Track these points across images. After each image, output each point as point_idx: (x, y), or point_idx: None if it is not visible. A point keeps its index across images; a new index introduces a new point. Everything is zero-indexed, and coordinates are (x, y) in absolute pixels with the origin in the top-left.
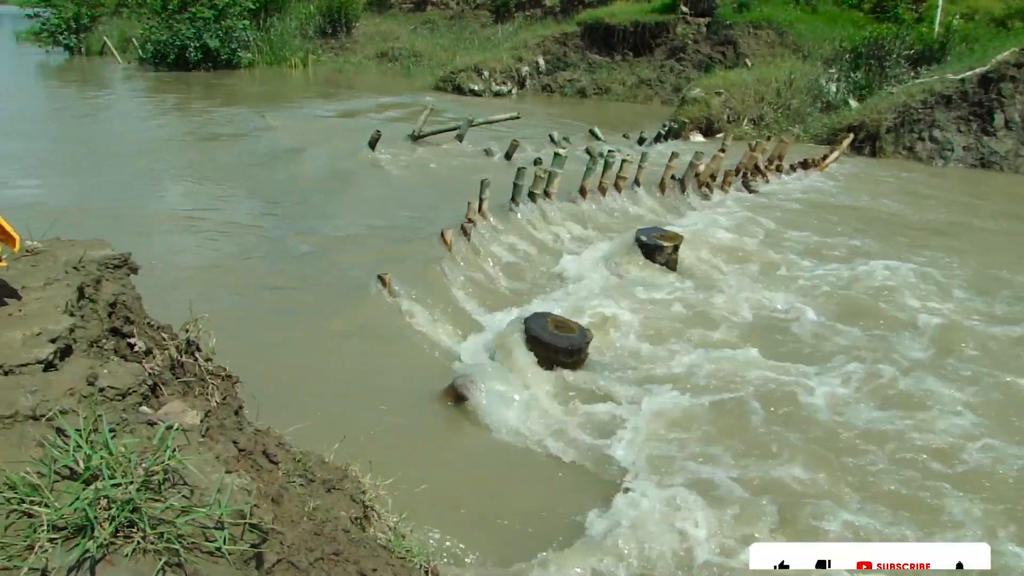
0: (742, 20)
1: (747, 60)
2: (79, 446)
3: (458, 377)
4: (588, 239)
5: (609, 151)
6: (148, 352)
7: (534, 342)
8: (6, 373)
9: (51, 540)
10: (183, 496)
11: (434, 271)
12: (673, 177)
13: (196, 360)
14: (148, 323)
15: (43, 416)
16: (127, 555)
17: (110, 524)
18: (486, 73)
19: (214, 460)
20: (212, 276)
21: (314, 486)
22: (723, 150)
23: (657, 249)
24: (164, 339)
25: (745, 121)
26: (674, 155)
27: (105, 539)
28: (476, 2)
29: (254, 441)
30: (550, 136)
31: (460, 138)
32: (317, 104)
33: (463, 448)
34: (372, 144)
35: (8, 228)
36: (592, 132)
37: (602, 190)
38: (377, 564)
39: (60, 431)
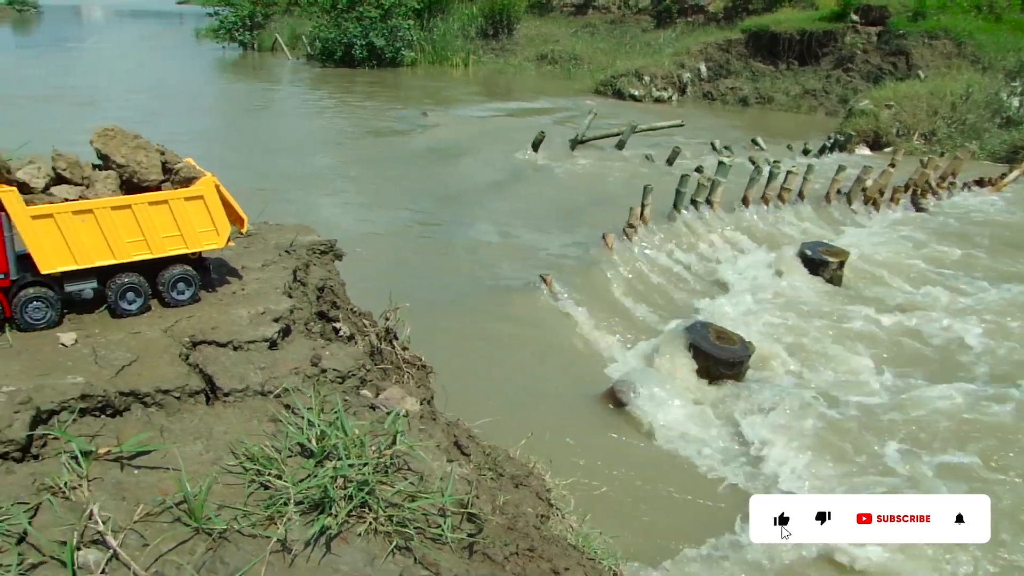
0: (916, 29)
1: (920, 71)
2: (311, 424)
3: (618, 381)
4: (749, 250)
5: (774, 161)
6: (350, 338)
7: (694, 351)
8: (235, 348)
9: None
10: (409, 482)
11: (595, 274)
12: (839, 191)
13: (393, 348)
14: (351, 309)
15: (270, 392)
16: (359, 534)
17: (347, 503)
18: (647, 78)
19: (435, 448)
20: (376, 268)
21: (503, 480)
22: (893, 165)
23: (822, 264)
24: (365, 326)
25: (916, 136)
26: (840, 168)
27: (343, 517)
28: (637, 6)
29: (445, 432)
30: (711, 144)
31: (622, 144)
32: (478, 104)
33: (623, 453)
34: (535, 146)
35: (239, 209)
36: (755, 142)
37: (765, 201)
38: (569, 563)
39: (290, 408)
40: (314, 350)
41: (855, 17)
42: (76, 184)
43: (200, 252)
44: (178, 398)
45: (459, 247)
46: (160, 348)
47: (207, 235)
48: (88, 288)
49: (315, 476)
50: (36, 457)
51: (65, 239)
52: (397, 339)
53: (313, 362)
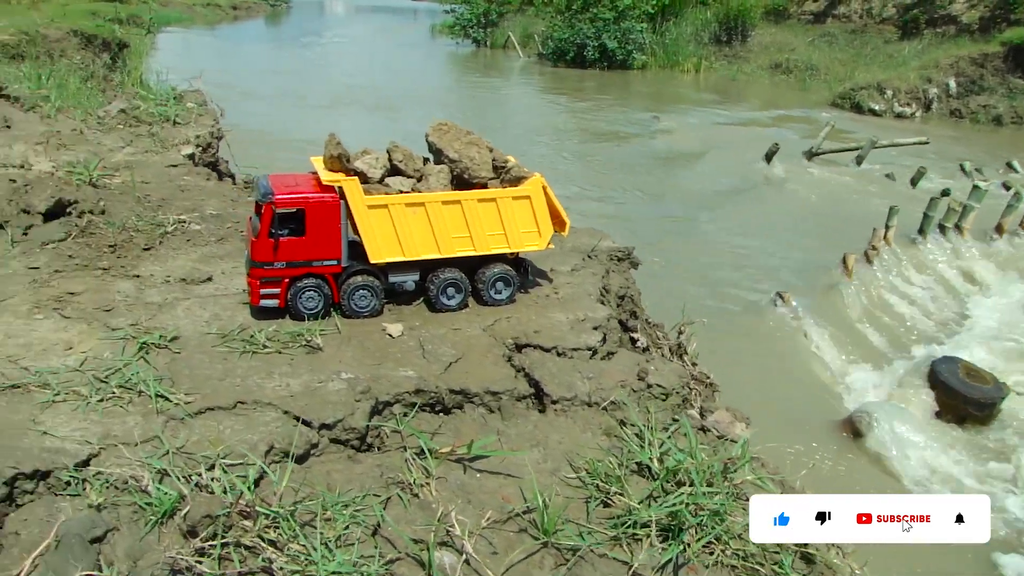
0: None
1: None
2: (650, 443)
3: (856, 411)
4: (1003, 282)
5: None
6: (645, 349)
7: (942, 387)
8: (559, 355)
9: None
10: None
11: (832, 294)
12: None
13: (684, 363)
14: (646, 319)
15: (597, 404)
16: (707, 566)
17: (699, 532)
18: (889, 92)
19: (768, 479)
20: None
21: None
22: None
23: None
24: (659, 338)
25: None
26: None
27: (698, 548)
28: (881, 16)
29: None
30: (961, 166)
31: (860, 160)
32: (708, 110)
33: (865, 487)
34: (768, 157)
35: (563, 212)
36: (1010, 165)
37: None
38: None
39: (623, 423)
40: (639, 364)
41: None
42: (409, 176)
43: (518, 252)
44: (506, 401)
45: (689, 257)
46: (483, 347)
47: (529, 236)
48: (410, 280)
49: (662, 499)
50: (371, 447)
51: (396, 230)
52: (687, 354)
53: (640, 376)
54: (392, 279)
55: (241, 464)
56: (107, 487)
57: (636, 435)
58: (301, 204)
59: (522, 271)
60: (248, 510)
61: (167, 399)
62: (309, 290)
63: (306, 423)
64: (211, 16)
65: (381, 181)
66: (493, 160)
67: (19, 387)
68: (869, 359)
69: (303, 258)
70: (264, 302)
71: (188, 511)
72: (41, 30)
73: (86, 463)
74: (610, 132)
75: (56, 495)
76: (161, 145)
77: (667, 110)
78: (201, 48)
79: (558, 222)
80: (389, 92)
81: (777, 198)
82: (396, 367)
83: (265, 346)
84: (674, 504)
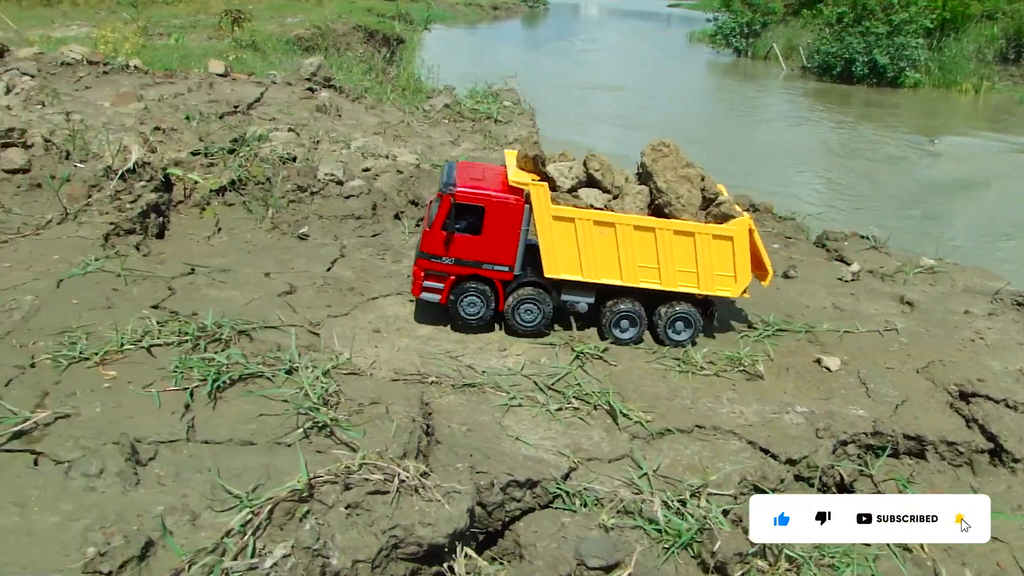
0: None
1: None
2: None
3: None
4: None
5: None
6: None
7: None
8: (1010, 407)
9: None
10: None
11: None
12: None
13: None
14: None
15: None
16: None
17: None
18: None
19: None
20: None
21: None
22: None
23: None
24: None
25: None
26: None
27: None
28: None
29: None
30: None
31: None
32: (991, 136)
33: None
34: None
35: (766, 260)
36: None
37: None
38: None
39: None
40: None
41: None
42: (605, 191)
43: (707, 295)
44: (962, 453)
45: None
46: (924, 390)
47: (723, 280)
48: (584, 303)
49: None
50: (826, 488)
51: (578, 247)
52: None
53: None
54: (564, 297)
55: (719, 494)
56: (617, 509)
57: None
58: (482, 201)
59: (708, 314)
60: (768, 550)
61: (626, 416)
62: (471, 295)
63: (772, 456)
64: (472, 15)
65: (571, 192)
66: (703, 191)
67: (474, 386)
68: None
69: (474, 258)
70: (425, 295)
71: (719, 546)
72: (330, 25)
73: (567, 476)
74: (880, 154)
75: (552, 508)
76: (495, 142)
77: (942, 133)
78: (462, 46)
79: (761, 270)
80: (648, 100)
81: None
82: (845, 404)
83: (703, 368)
84: None
